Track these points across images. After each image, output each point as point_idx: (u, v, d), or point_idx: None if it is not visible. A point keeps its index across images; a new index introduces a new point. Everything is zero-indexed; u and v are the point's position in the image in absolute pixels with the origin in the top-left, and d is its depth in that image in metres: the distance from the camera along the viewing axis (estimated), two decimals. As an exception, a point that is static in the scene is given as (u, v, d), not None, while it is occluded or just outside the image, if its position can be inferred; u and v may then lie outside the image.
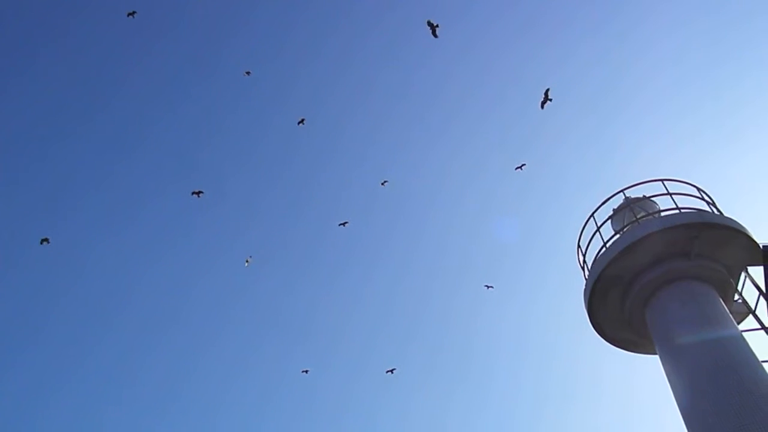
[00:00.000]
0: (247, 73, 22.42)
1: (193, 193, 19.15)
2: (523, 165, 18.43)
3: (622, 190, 11.90)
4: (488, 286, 20.90)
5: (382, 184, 21.44)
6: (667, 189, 11.41)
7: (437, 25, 15.51)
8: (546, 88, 15.07)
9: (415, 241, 36.08)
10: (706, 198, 11.55)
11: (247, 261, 19.91)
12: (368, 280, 36.75)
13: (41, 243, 19.08)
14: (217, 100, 34.55)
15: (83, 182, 34.26)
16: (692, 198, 11.43)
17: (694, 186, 11.69)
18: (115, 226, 33.96)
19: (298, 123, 20.85)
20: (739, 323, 10.26)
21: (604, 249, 11.08)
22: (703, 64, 34.44)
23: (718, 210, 11.30)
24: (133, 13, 19.44)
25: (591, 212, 11.85)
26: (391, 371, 21.51)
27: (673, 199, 11.22)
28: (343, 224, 21.29)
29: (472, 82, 35.77)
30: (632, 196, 12.01)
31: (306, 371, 22.30)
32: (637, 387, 37.22)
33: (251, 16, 34.81)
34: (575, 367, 36.65)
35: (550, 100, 15.12)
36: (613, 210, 12.15)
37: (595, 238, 11.60)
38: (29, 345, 33.24)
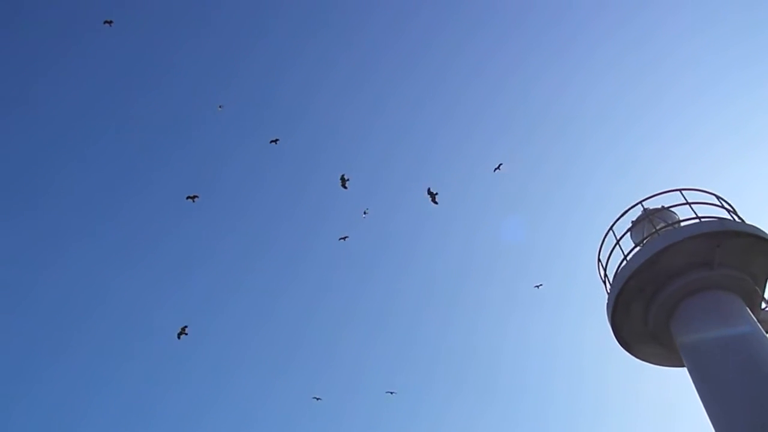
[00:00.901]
0: (220, 107, 22.67)
1: (188, 197, 18.57)
2: (501, 165, 18.83)
3: (640, 202, 11.78)
4: (538, 286, 21.15)
5: (364, 213, 21.41)
6: (686, 199, 11.27)
7: (437, 193, 17.34)
8: (427, 187, 16.91)
9: (434, 258, 35.98)
10: (727, 206, 11.37)
11: (182, 333, 18.51)
12: (391, 299, 36.64)
13: None
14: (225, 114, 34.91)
15: (96, 210, 34.78)
16: (712, 207, 11.29)
17: (714, 194, 11.53)
18: (133, 254, 34.40)
19: (271, 142, 20.53)
20: (767, 331, 10.04)
21: (624, 262, 10.96)
22: (716, 71, 34.24)
23: (740, 218, 11.12)
24: (110, 21, 19.49)
25: (610, 225, 11.75)
26: (391, 393, 21.71)
27: (692, 209, 11.07)
28: (343, 239, 21.20)
29: (488, 94, 35.89)
30: (651, 207, 11.87)
31: (318, 398, 22.20)
32: (673, 401, 36.40)
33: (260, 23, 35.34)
34: (607, 382, 36.00)
35: (436, 193, 16.79)
36: (632, 222, 12.01)
37: (615, 251, 11.49)
38: (48, 375, 33.59)
